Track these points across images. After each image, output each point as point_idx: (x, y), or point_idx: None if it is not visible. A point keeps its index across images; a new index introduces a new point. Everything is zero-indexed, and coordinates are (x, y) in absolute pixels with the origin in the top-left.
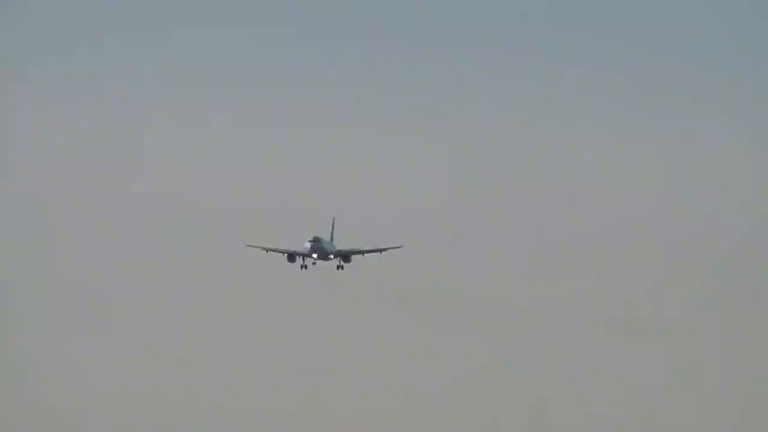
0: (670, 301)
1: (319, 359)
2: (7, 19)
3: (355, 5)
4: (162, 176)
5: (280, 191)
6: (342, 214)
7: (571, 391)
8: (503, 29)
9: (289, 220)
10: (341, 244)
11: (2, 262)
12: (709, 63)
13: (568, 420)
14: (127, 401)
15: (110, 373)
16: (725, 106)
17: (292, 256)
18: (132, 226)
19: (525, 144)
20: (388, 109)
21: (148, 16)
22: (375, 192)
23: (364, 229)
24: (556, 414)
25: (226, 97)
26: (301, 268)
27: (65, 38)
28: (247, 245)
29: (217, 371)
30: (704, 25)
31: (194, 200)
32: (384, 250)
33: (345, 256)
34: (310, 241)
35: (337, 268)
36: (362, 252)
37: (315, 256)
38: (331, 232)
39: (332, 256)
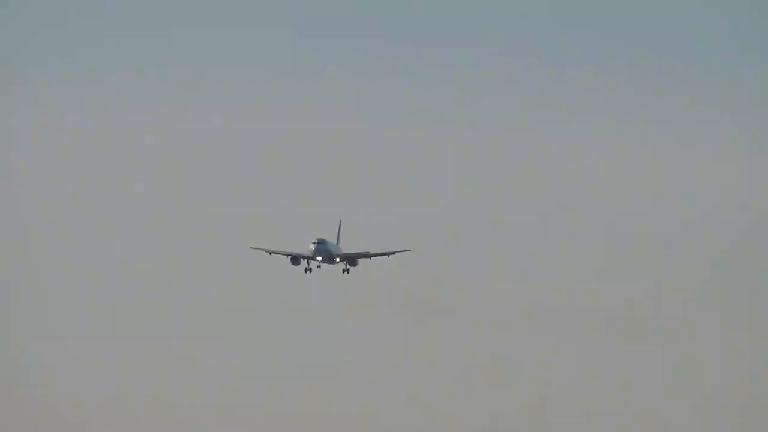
0: (670, 301)
1: (321, 361)
2: (7, 19)
3: (355, 5)
4: (162, 176)
5: (280, 192)
6: (342, 215)
7: (571, 391)
8: (503, 29)
9: (291, 221)
10: (343, 247)
11: (2, 262)
12: (709, 63)
13: (568, 420)
14: (127, 401)
15: (110, 373)
16: (725, 106)
17: (295, 259)
18: (132, 226)
19: (525, 144)
20: (388, 109)
21: (148, 16)
22: (375, 193)
23: (365, 229)
24: (557, 414)
25: (226, 97)
26: (306, 271)
27: (65, 38)
28: (251, 247)
29: (217, 374)
30: (704, 25)
31: (194, 200)
32: (393, 253)
33: (351, 259)
34: (314, 243)
35: (343, 272)
36: (370, 255)
37: (319, 258)
38: (338, 235)
39: (338, 259)
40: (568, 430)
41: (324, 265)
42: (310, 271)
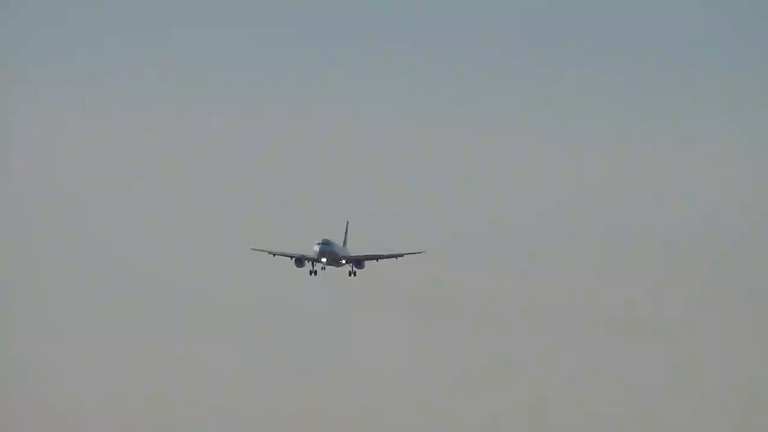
0: (670, 301)
1: (324, 363)
2: (7, 19)
3: (355, 5)
4: (162, 176)
5: (281, 192)
6: (341, 216)
7: (573, 391)
8: (503, 29)
9: (292, 221)
10: (349, 249)
11: (2, 262)
12: (709, 63)
13: (570, 420)
14: (128, 402)
15: (110, 373)
16: (725, 106)
17: (300, 261)
18: (132, 226)
19: (525, 144)
20: (388, 109)
21: (148, 16)
22: (375, 193)
23: (365, 230)
24: (558, 414)
25: (226, 97)
26: (311, 273)
27: (65, 38)
28: (253, 249)
29: (218, 377)
30: (704, 25)
31: (194, 201)
32: (402, 255)
33: (357, 261)
34: (319, 244)
35: (349, 275)
36: (377, 257)
37: (324, 260)
38: (345, 236)
39: (344, 261)
40: (571, 430)
41: (329, 267)
42: (315, 274)
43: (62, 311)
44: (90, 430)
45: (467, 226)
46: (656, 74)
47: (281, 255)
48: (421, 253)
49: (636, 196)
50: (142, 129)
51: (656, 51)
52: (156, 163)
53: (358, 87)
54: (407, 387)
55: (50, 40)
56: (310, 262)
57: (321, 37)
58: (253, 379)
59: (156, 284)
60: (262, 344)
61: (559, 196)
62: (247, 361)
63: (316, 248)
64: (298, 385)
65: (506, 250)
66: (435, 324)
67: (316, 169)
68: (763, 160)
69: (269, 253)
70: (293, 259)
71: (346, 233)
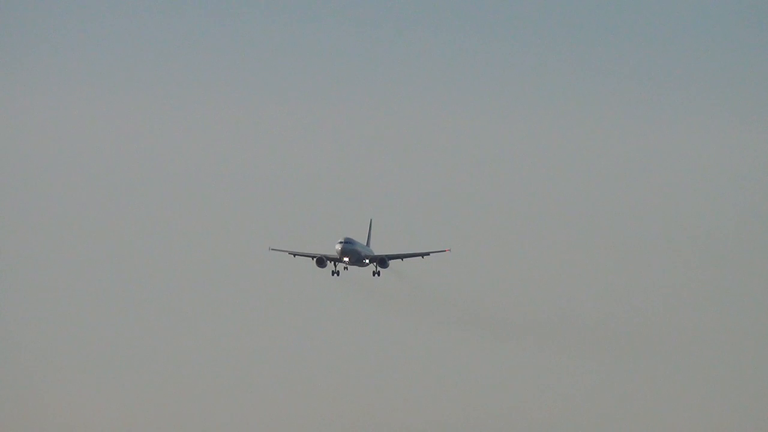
0: (669, 301)
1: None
2: (7, 19)
3: (356, 5)
4: (162, 176)
5: (302, 189)
6: (351, 215)
7: (572, 392)
8: (504, 28)
9: (313, 220)
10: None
11: (2, 262)
12: (709, 61)
13: (569, 420)
14: (127, 401)
15: (110, 372)
16: (725, 105)
17: (321, 261)
18: (148, 228)
19: (524, 143)
20: (389, 109)
21: (148, 16)
22: (399, 190)
23: (392, 229)
24: (558, 414)
25: (225, 97)
26: (333, 274)
27: (65, 38)
28: (272, 249)
29: (234, 380)
30: (704, 24)
31: (210, 200)
32: (428, 254)
33: (382, 260)
34: (340, 243)
35: (373, 275)
36: (402, 256)
37: (347, 260)
38: (368, 235)
39: (367, 261)
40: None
41: (352, 267)
42: (338, 274)
43: (62, 311)
44: (90, 430)
45: (467, 225)
46: (656, 72)
47: (302, 255)
48: (447, 251)
49: (636, 195)
50: (142, 129)
51: (656, 50)
52: (156, 163)
53: (382, 83)
54: (417, 390)
55: (50, 39)
56: (332, 262)
57: (321, 37)
58: (270, 383)
59: (170, 290)
60: (283, 348)
61: (559, 197)
62: (268, 369)
63: (338, 247)
64: (320, 391)
65: (506, 250)
66: (439, 325)
67: (338, 165)
68: (763, 159)
69: (289, 253)
70: (314, 259)
71: (369, 232)
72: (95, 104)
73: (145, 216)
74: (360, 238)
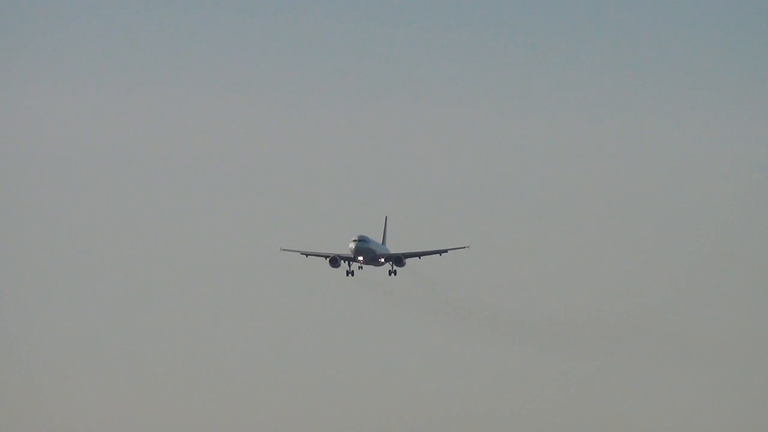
0: (669, 301)
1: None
2: (7, 19)
3: (356, 5)
4: (171, 176)
5: (314, 188)
6: (365, 212)
7: (572, 392)
8: (503, 29)
9: (325, 219)
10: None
11: (2, 262)
12: (709, 63)
13: (569, 420)
14: (139, 401)
15: (110, 373)
16: (725, 105)
17: (335, 261)
18: (146, 227)
19: (525, 144)
20: (391, 109)
21: (148, 16)
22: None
23: (407, 226)
24: (558, 415)
25: (237, 94)
26: (347, 274)
27: (65, 37)
28: (283, 249)
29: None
30: (704, 24)
31: (218, 199)
32: (445, 251)
33: (398, 259)
34: (354, 241)
35: (390, 274)
36: (419, 254)
37: (361, 259)
38: (384, 233)
39: (383, 260)
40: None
41: (367, 267)
42: (352, 274)
43: (62, 311)
44: (90, 430)
45: (467, 226)
46: (656, 73)
47: (314, 255)
48: (465, 248)
49: (635, 195)
50: (142, 129)
51: (656, 50)
52: (157, 163)
53: (397, 78)
54: (423, 391)
55: (50, 39)
56: (346, 262)
57: (321, 37)
58: (285, 388)
59: (179, 294)
60: (297, 353)
61: (559, 196)
62: (282, 374)
63: (352, 246)
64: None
65: (506, 250)
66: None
67: (352, 161)
68: (763, 159)
69: (301, 253)
70: (327, 259)
71: (385, 229)
72: (114, 105)
73: (154, 217)
74: (375, 236)
